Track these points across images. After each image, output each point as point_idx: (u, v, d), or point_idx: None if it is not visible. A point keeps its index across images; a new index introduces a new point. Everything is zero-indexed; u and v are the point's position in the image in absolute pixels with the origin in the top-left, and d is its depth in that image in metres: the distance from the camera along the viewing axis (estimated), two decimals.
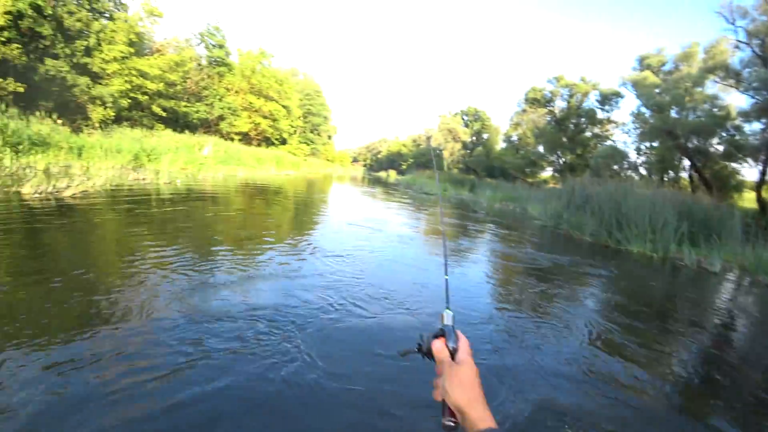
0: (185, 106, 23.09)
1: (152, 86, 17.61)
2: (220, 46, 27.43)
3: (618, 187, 10.53)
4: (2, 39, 11.84)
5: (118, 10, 16.72)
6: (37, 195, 5.87)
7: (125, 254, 4.11)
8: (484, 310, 3.94)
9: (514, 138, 32.55)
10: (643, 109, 19.86)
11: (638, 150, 21.12)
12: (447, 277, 1.15)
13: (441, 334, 0.94)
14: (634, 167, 21.13)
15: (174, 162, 14.69)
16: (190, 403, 2.01)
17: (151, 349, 2.46)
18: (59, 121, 12.61)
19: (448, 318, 1.01)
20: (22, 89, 12.41)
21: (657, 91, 18.22)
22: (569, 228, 10.63)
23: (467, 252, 6.94)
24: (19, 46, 12.51)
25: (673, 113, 17.27)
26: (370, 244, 6.32)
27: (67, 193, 6.26)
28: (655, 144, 19.44)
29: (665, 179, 19.56)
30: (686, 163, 18.34)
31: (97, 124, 15.50)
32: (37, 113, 11.53)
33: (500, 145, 34.89)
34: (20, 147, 9.12)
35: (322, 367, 2.47)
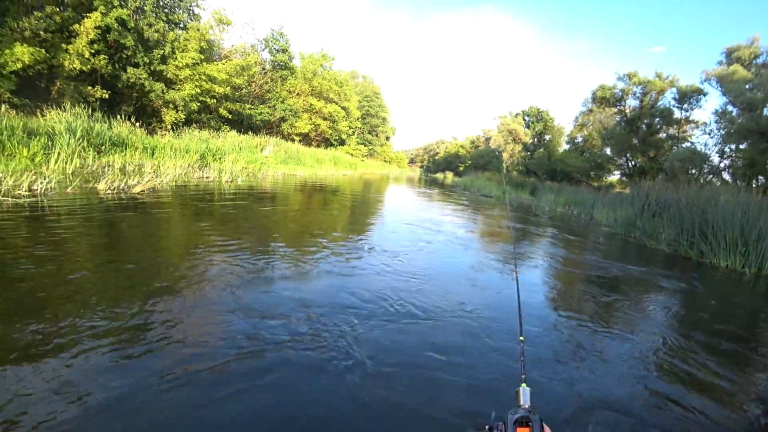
0: (249, 109, 24.34)
1: (219, 90, 18.75)
2: (284, 51, 28.60)
3: (701, 193, 9.61)
4: (92, 51, 13.19)
5: (192, 20, 18.00)
6: (110, 191, 6.52)
7: (186, 247, 4.48)
8: (548, 318, 3.83)
9: (579, 139, 30.85)
10: (730, 108, 17.87)
11: (722, 153, 19.05)
12: (522, 339, 1.10)
13: (525, 422, 0.82)
14: (716, 171, 19.10)
15: (237, 162, 15.57)
16: (238, 396, 2.07)
17: (205, 339, 2.60)
18: (137, 124, 13.88)
19: (525, 396, 0.91)
20: (106, 96, 13.76)
21: (748, 86, 16.34)
22: (642, 236, 9.95)
23: (531, 257, 6.82)
24: (106, 56, 13.87)
25: (766, 111, 15.54)
26: (429, 245, 6.42)
27: (136, 189, 6.88)
28: (742, 146, 17.46)
29: (754, 185, 17.67)
30: None
31: (169, 127, 16.79)
32: (118, 117, 12.73)
33: (563, 147, 33.26)
34: (102, 148, 10.17)
35: (371, 368, 2.48)
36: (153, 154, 12.03)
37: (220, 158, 14.89)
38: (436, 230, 8.06)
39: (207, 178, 11.00)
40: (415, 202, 15.60)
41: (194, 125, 19.04)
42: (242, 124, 24.27)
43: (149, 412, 1.87)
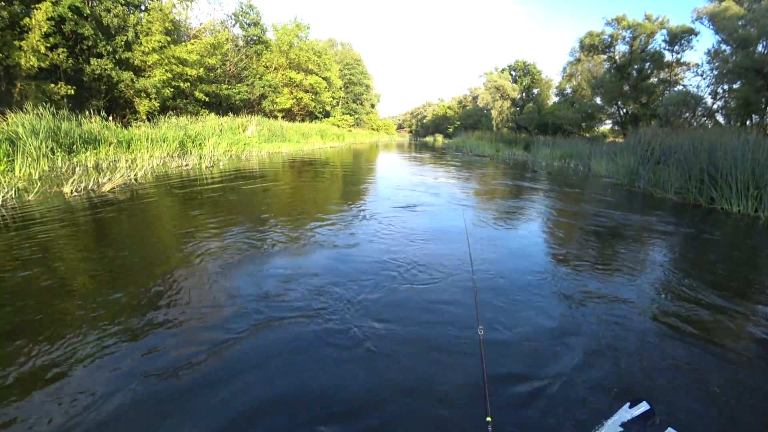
0: (226, 89, 23.55)
1: (192, 72, 17.99)
2: (255, 24, 27.45)
3: (707, 136, 9.19)
4: (48, 45, 12.45)
5: (152, 0, 17.04)
6: (76, 193, 6.12)
7: (164, 238, 4.23)
8: (547, 269, 3.86)
9: (568, 91, 30.18)
10: (723, 46, 17.30)
11: (714, 94, 18.52)
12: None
13: None
14: (710, 114, 18.73)
15: (218, 145, 15.09)
16: (246, 368, 2.16)
17: (210, 317, 2.68)
18: (109, 118, 13.32)
19: None
20: (72, 92, 13.12)
21: (741, 23, 15.72)
22: (648, 185, 9.67)
23: (534, 212, 6.81)
24: (65, 50, 13.13)
25: (760, 48, 15.01)
26: (426, 209, 6.52)
27: (106, 188, 6.48)
28: (736, 86, 17.01)
29: (747, 125, 17.32)
30: None
31: (144, 117, 16.18)
32: (88, 113, 12.17)
33: (552, 99, 32.61)
34: (73, 147, 9.72)
35: (380, 335, 2.54)
36: (129, 147, 11.59)
37: (200, 144, 14.41)
38: (432, 193, 7.98)
39: (186, 166, 10.54)
40: (407, 168, 15.32)
41: (171, 112, 18.40)
42: (221, 105, 23.54)
43: (151, 392, 1.95)
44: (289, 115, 30.04)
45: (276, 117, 27.25)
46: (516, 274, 3.69)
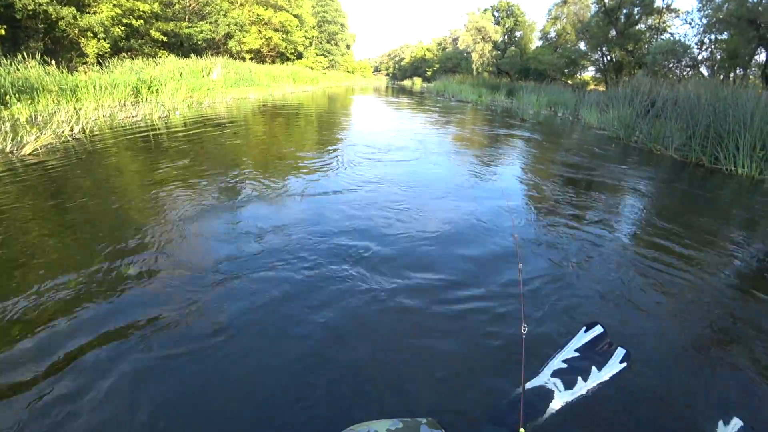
0: (187, 27, 21.68)
1: (145, 8, 16.37)
2: None
3: (713, 89, 8.48)
4: None
5: None
6: None
7: (83, 214, 3.68)
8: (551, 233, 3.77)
9: (552, 35, 29.00)
10: None
11: (701, 44, 17.92)
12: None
13: None
14: (695, 65, 18.20)
15: (177, 91, 14.01)
16: (234, 318, 2.22)
17: (192, 277, 2.61)
18: (52, 62, 12.04)
19: None
20: (2, 31, 11.70)
21: None
22: (646, 140, 9.17)
23: (528, 162, 6.89)
24: None
25: None
26: (411, 158, 6.56)
27: (27, 150, 5.57)
28: (723, 36, 16.60)
29: (731, 77, 16.95)
30: (759, 58, 15.71)
31: (94, 60, 14.80)
32: (22, 56, 10.93)
33: (535, 44, 31.38)
34: (7, 99, 8.73)
35: (375, 286, 2.60)
36: (75, 95, 10.56)
37: (156, 90, 13.32)
38: (416, 141, 7.95)
39: (134, 117, 9.59)
40: (387, 114, 14.91)
41: (124, 55, 16.88)
42: (182, 46, 21.79)
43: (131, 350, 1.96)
44: (258, 56, 28.20)
45: (243, 59, 25.53)
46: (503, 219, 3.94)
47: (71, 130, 7.08)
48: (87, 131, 7.40)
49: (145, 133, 7.64)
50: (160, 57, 18.39)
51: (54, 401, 1.64)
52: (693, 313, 2.55)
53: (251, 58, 26.68)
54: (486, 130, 11.25)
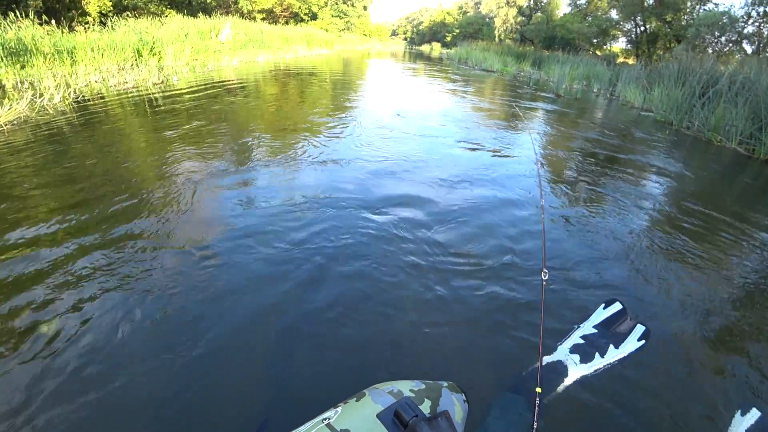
0: None
1: None
2: None
3: None
4: None
5: None
6: None
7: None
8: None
9: (582, 1, 27.01)
10: None
11: (747, 17, 16.12)
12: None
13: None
14: (737, 41, 16.51)
15: (181, 53, 13.44)
16: (233, 284, 2.27)
17: (213, 241, 2.68)
18: (51, 22, 11.54)
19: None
20: None
21: None
22: (704, 128, 7.99)
23: (569, 155, 5.96)
24: None
25: None
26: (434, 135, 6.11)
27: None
28: None
29: None
30: None
31: (96, 19, 14.25)
32: (15, 14, 10.46)
33: (563, 10, 29.34)
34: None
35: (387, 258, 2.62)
36: (72, 57, 10.11)
37: (159, 52, 12.77)
38: (444, 117, 7.36)
39: (125, 83, 9.00)
40: (408, 83, 14.15)
41: (128, 14, 16.23)
42: (191, 5, 21.00)
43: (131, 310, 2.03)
44: (270, 16, 27.14)
45: (255, 19, 24.58)
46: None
47: (50, 100, 6.57)
48: (69, 100, 6.88)
49: (136, 104, 7.16)
50: (166, 16, 17.71)
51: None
52: (719, 298, 2.53)
53: (263, 19, 25.70)
54: (522, 106, 10.26)
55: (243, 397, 1.61)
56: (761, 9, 15.68)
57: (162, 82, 9.61)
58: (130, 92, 8.08)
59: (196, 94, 8.04)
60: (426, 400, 1.24)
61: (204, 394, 1.61)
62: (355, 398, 1.21)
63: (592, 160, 5.63)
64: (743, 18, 16.32)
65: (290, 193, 3.50)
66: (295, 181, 3.80)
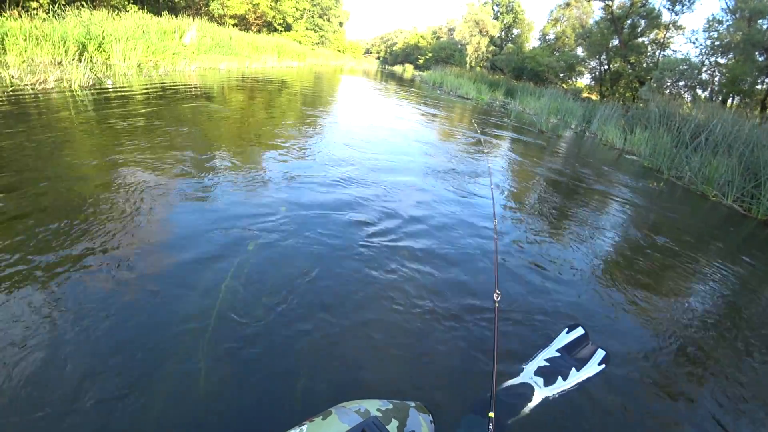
0: None
1: None
2: None
3: None
4: None
5: None
6: None
7: None
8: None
9: (551, 36, 28.28)
10: (721, 15, 16.66)
11: (701, 65, 17.61)
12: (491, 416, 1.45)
13: None
14: (694, 86, 17.83)
15: (132, 51, 12.75)
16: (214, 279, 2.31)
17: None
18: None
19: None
20: None
21: None
22: (698, 181, 7.57)
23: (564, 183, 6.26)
24: None
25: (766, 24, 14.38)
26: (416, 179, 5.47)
27: None
28: (722, 60, 16.58)
29: (727, 103, 16.73)
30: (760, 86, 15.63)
31: (45, 6, 13.43)
32: None
33: (531, 43, 30.67)
34: None
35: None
36: (2, 45, 9.36)
37: (109, 48, 12.06)
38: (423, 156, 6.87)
39: (44, 82, 7.71)
40: (381, 105, 13.99)
41: (83, 3, 15.36)
42: (157, 2, 20.33)
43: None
44: (242, 23, 26.73)
45: (225, 24, 24.08)
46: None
47: None
48: None
49: (40, 111, 6.44)
50: (127, 11, 16.97)
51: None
52: (676, 325, 2.75)
53: (234, 24, 25.25)
54: (510, 145, 9.85)
55: (202, 416, 1.54)
56: (713, 59, 17.05)
57: (92, 84, 8.54)
58: (44, 93, 7.00)
59: (125, 102, 7.41)
60: (393, 420, 1.23)
61: (159, 416, 1.51)
62: (321, 416, 1.18)
63: (583, 199, 5.89)
64: (698, 65, 17.73)
65: (234, 209, 3.32)
66: (239, 204, 3.50)
